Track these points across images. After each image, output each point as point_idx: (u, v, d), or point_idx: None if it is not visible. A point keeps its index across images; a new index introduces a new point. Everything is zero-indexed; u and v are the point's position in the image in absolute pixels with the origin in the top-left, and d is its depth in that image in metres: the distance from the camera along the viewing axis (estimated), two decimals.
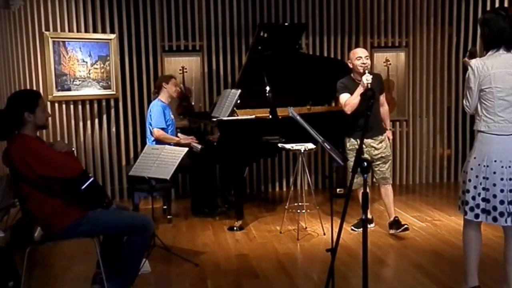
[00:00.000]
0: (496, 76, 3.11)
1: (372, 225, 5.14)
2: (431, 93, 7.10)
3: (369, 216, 5.00)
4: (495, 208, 3.16)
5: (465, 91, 3.26)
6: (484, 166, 3.16)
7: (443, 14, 6.98)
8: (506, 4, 6.67)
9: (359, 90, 4.56)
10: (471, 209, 3.22)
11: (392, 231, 4.83)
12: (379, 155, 4.83)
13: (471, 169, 3.21)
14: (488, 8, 6.78)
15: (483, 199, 3.19)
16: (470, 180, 3.22)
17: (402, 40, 7.02)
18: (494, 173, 3.14)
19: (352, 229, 5.00)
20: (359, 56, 4.68)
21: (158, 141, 5.43)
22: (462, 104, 3.39)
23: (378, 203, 5.80)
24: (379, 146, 4.83)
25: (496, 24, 3.12)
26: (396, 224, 4.82)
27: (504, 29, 3.11)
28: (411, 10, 6.97)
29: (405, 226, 4.78)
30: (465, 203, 3.26)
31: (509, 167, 3.12)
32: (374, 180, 5.02)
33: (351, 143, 4.87)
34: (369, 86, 4.38)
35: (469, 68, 3.19)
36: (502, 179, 3.13)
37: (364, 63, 4.63)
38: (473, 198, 3.21)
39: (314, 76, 6.02)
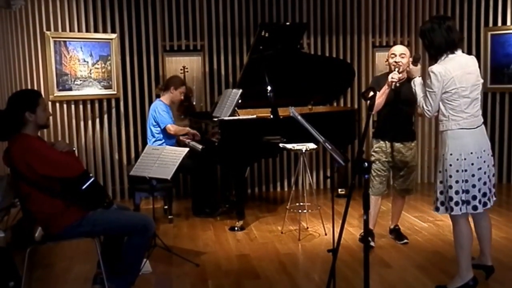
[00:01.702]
0: (458, 77, 3.33)
1: (373, 243, 4.53)
2: None
3: (373, 229, 4.60)
4: (474, 198, 3.37)
5: (425, 96, 3.45)
6: (462, 159, 3.34)
7: (445, 14, 6.95)
8: (508, 4, 6.68)
9: (384, 88, 4.24)
10: (456, 203, 3.37)
11: (391, 236, 4.76)
12: (405, 164, 4.47)
13: (450, 165, 3.37)
14: (491, 6, 6.78)
15: (463, 191, 3.36)
16: (451, 176, 3.37)
17: (404, 40, 6.99)
18: (472, 164, 3.35)
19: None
20: (393, 53, 4.32)
21: (171, 136, 5.47)
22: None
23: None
24: (407, 153, 4.45)
25: (434, 34, 3.39)
26: (396, 233, 4.72)
27: (442, 37, 3.37)
28: (413, 9, 6.95)
29: (406, 241, 4.64)
30: (448, 200, 3.39)
31: (481, 157, 3.36)
32: (394, 190, 4.67)
33: (379, 145, 4.47)
34: (393, 86, 4.17)
35: (431, 74, 3.36)
36: (479, 168, 3.36)
37: (396, 62, 4.25)
38: (457, 192, 3.36)
39: (315, 76, 6.02)
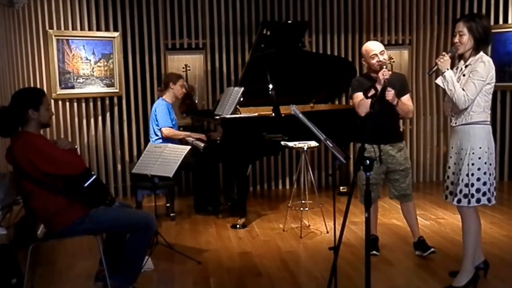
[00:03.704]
0: (495, 72, 3.43)
1: (378, 253, 4.37)
2: (434, 91, 7.08)
3: (375, 234, 4.46)
4: (495, 189, 3.53)
5: (469, 85, 3.38)
6: (490, 153, 3.47)
7: (447, 12, 6.96)
8: (510, 2, 6.68)
9: (378, 88, 3.88)
10: (484, 193, 3.46)
11: (418, 253, 4.27)
12: (398, 167, 4.19)
13: (488, 158, 3.45)
14: (493, 5, 6.78)
15: (490, 184, 3.47)
16: (489, 169, 3.46)
17: (406, 38, 7.00)
18: (495, 158, 3.51)
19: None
20: (374, 54, 4.07)
21: (166, 139, 5.45)
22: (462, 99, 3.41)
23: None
24: (398, 155, 4.19)
25: (486, 26, 3.45)
26: (422, 245, 4.26)
27: (489, 31, 3.49)
28: (415, 7, 6.95)
29: (432, 249, 4.21)
30: (488, 192, 3.46)
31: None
32: (391, 196, 4.35)
33: (368, 150, 4.15)
34: (386, 84, 3.88)
35: (486, 63, 3.38)
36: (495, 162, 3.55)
37: (380, 61, 4.04)
38: (484, 183, 3.46)
39: (317, 74, 6.02)
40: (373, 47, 4.15)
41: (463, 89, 3.39)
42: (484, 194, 3.45)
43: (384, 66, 4.00)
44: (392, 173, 4.25)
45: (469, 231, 3.54)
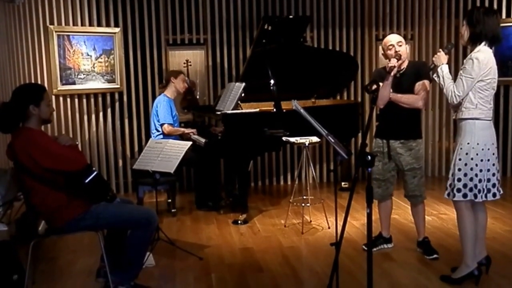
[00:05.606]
0: (494, 69, 3.43)
1: (391, 244, 4.44)
2: (436, 85, 7.02)
3: (388, 235, 4.42)
4: (494, 185, 3.51)
5: (458, 81, 3.43)
6: (487, 149, 3.45)
7: (449, 6, 6.94)
8: None
9: (386, 78, 3.94)
10: (479, 191, 3.46)
11: (419, 250, 4.28)
12: (405, 166, 4.12)
13: (477, 154, 3.44)
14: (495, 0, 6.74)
15: (485, 180, 3.47)
16: (477, 165, 3.45)
17: (408, 33, 6.97)
18: (493, 154, 3.48)
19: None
20: (390, 44, 4.01)
21: (166, 135, 5.44)
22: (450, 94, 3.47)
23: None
24: (406, 153, 4.10)
25: (490, 21, 3.41)
26: (426, 246, 4.22)
27: (494, 26, 3.43)
28: (417, 2, 6.93)
29: (435, 255, 4.12)
30: (473, 187, 3.46)
31: (496, 148, 3.52)
32: (405, 195, 4.29)
33: (377, 144, 4.21)
34: (395, 73, 3.92)
35: (474, 60, 3.38)
36: (496, 158, 3.51)
37: (397, 51, 3.97)
38: (480, 181, 3.45)
39: (318, 69, 6.00)
40: (390, 38, 4.12)
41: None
42: (471, 189, 3.46)
43: (397, 57, 3.96)
44: (400, 171, 4.22)
45: (461, 225, 3.58)
